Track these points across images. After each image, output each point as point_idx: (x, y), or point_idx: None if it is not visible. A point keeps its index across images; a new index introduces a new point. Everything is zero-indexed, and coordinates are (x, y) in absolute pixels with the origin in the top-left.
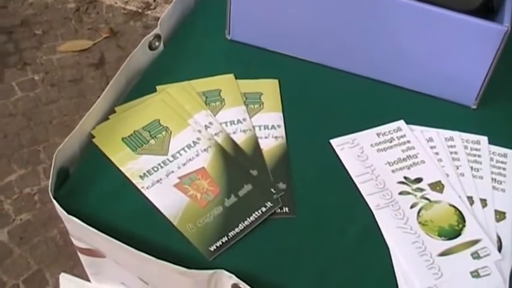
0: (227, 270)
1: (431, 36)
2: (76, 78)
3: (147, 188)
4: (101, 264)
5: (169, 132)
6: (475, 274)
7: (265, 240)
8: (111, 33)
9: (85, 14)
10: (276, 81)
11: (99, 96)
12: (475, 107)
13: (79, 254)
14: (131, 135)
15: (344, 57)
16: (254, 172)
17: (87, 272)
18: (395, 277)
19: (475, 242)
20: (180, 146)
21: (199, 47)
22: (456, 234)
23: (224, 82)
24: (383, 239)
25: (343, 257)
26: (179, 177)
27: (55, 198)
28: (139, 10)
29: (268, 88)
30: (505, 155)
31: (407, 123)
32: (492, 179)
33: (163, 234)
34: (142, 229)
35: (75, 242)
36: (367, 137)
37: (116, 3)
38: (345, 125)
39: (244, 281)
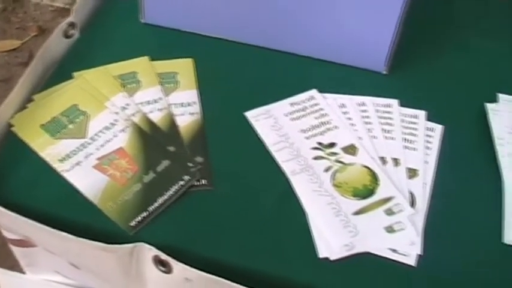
0: (149, 244)
1: (337, 5)
2: (6, 78)
3: (67, 171)
4: (33, 254)
5: (87, 116)
6: (390, 229)
7: (185, 213)
8: (40, 31)
9: (12, 14)
10: (191, 60)
11: None
12: (386, 72)
13: (12, 248)
14: (50, 121)
15: (256, 32)
16: (171, 148)
17: (22, 264)
18: (312, 238)
19: (388, 199)
20: (98, 128)
21: (115, 33)
22: (370, 193)
23: (139, 64)
24: (300, 203)
25: (263, 224)
26: (98, 158)
27: None
28: (67, 6)
29: (183, 67)
30: (415, 116)
31: (320, 92)
32: (404, 139)
33: (86, 214)
34: (66, 212)
35: (6, 234)
36: (280, 107)
37: (42, 0)
38: (260, 98)
39: (165, 253)
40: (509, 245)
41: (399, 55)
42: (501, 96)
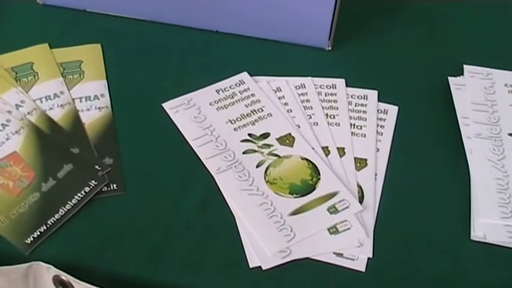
0: (48, 262)
1: None
2: None
3: None
4: None
5: None
6: (334, 230)
7: (92, 223)
8: None
9: None
10: (98, 45)
11: None
12: (329, 48)
13: None
14: None
15: (173, 9)
16: (75, 150)
17: None
18: (241, 245)
19: (331, 195)
20: None
21: (6, 16)
22: (310, 189)
23: (37, 53)
24: (227, 205)
25: (184, 231)
26: None
27: None
28: None
29: (89, 54)
30: (365, 97)
31: (252, 74)
32: (351, 124)
33: None
34: None
35: None
36: (205, 95)
37: None
38: (181, 86)
39: (67, 272)
40: (478, 242)
41: (345, 27)
42: (466, 68)
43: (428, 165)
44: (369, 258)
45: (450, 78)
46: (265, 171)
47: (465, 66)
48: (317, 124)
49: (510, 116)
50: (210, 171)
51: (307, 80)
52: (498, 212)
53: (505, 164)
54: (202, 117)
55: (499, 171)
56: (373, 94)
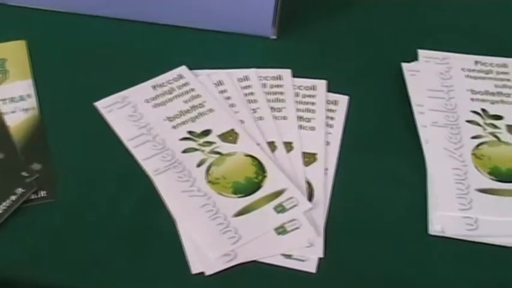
0: None
1: None
2: None
3: None
4: None
5: None
6: (281, 230)
7: (19, 235)
8: None
9: None
10: (23, 42)
11: None
12: (274, 36)
13: None
14: None
15: (104, 1)
16: None
17: None
18: (183, 250)
19: (278, 193)
20: None
21: None
22: (255, 188)
23: None
24: (166, 208)
25: (120, 237)
26: None
27: None
28: None
29: (14, 52)
30: (313, 88)
31: (191, 68)
32: (298, 117)
33: None
34: None
35: None
36: (140, 92)
37: None
38: (114, 83)
39: None
40: (435, 236)
41: (291, 14)
42: (421, 53)
43: (381, 157)
44: (319, 259)
45: (404, 64)
46: (207, 171)
47: (420, 51)
48: (262, 118)
49: (467, 101)
50: (148, 172)
51: (251, 72)
52: (456, 204)
53: (463, 153)
54: (138, 116)
55: (457, 160)
56: (321, 84)
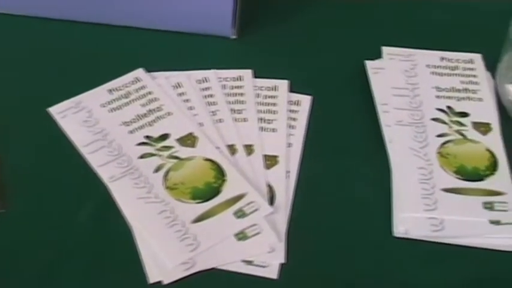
0: None
1: None
2: None
3: None
4: None
5: None
6: (242, 236)
7: None
8: None
9: None
10: None
11: None
12: (235, 36)
13: None
14: None
15: (55, 1)
16: None
17: None
18: (140, 259)
19: (238, 197)
20: None
21: None
22: (214, 193)
23: None
24: (123, 216)
25: (75, 248)
26: None
27: None
28: None
29: None
30: (275, 88)
31: (149, 70)
32: (260, 119)
33: None
34: None
35: None
36: (95, 96)
37: None
38: (69, 87)
39: None
40: (400, 238)
41: (252, 12)
42: (385, 50)
43: (345, 158)
44: (281, 264)
45: (367, 62)
46: (165, 176)
47: (384, 48)
48: (222, 121)
49: (433, 99)
50: (103, 179)
51: (211, 73)
52: (421, 205)
53: (428, 152)
54: (93, 121)
55: (422, 159)
56: (283, 84)
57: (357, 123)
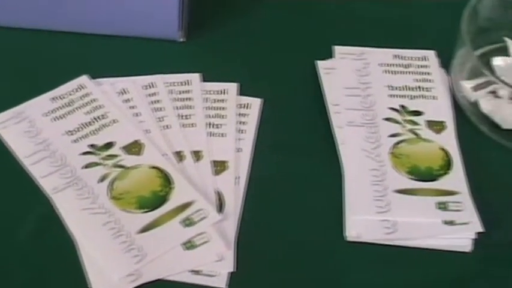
0: None
1: None
2: None
3: None
4: None
5: None
6: (189, 245)
7: None
8: None
9: None
10: None
11: None
12: (182, 39)
13: None
14: None
15: None
16: None
17: None
18: (84, 272)
19: (186, 205)
20: None
21: None
22: (161, 201)
23: None
24: (66, 228)
25: (15, 261)
26: None
27: None
28: None
29: None
30: (224, 92)
31: (94, 77)
32: (208, 123)
33: None
34: None
35: None
36: (37, 105)
37: None
38: (10, 97)
39: None
40: (353, 242)
41: (200, 14)
42: (337, 49)
43: (297, 161)
44: (230, 273)
45: (318, 62)
46: (110, 186)
47: (335, 47)
48: (169, 127)
49: (385, 98)
50: (46, 191)
51: (157, 78)
52: (373, 207)
53: (381, 153)
54: (35, 131)
55: (374, 161)
56: (232, 87)
57: (308, 126)
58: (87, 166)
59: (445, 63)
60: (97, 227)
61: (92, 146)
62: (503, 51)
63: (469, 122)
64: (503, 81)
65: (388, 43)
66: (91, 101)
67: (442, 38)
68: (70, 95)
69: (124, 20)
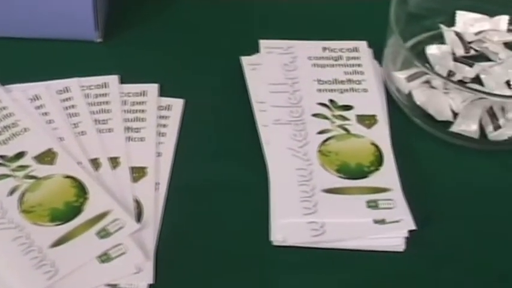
0: None
1: None
2: None
3: None
4: None
5: None
6: (105, 257)
7: None
8: None
9: None
10: None
11: None
12: (100, 39)
13: None
14: None
15: None
16: None
17: None
18: None
19: (102, 216)
20: None
21: None
22: (75, 212)
23: None
24: None
25: None
26: None
27: None
28: None
29: None
30: (143, 93)
31: (3, 83)
32: (126, 128)
33: None
34: None
35: None
36: None
37: None
38: None
39: None
40: (279, 246)
41: (118, 12)
42: (263, 43)
43: (221, 164)
44: (149, 285)
45: (243, 58)
46: (20, 199)
47: (261, 41)
48: (84, 133)
49: (314, 93)
50: None
51: (73, 82)
52: (300, 209)
53: (308, 151)
54: None
55: (301, 160)
56: (153, 88)
57: (233, 126)
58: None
59: (379, 54)
60: (6, 243)
61: (1, 157)
62: (439, 39)
63: (402, 114)
64: (434, 72)
65: (319, 36)
66: (0, 109)
67: (376, 27)
68: None
69: (36, 21)
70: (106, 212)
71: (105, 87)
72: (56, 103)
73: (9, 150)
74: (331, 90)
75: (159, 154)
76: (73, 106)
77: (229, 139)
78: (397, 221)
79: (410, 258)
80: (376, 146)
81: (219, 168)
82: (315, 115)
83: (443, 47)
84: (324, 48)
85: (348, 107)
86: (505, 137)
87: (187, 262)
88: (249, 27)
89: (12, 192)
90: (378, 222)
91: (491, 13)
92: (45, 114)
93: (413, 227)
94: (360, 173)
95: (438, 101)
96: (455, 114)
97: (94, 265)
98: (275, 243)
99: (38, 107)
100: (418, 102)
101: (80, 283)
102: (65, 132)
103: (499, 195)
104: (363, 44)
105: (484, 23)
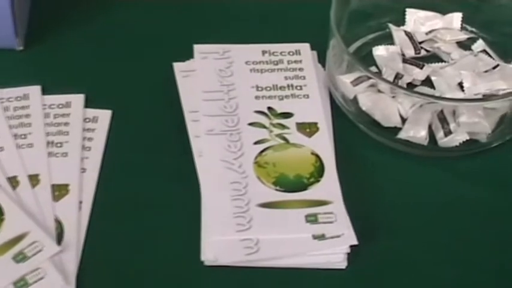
0: None
1: None
2: None
3: None
4: None
5: None
6: (22, 283)
7: None
8: None
9: None
10: None
11: None
12: (21, 47)
13: None
14: None
15: None
16: None
17: None
18: None
19: (19, 238)
20: None
21: None
22: None
23: None
24: None
25: None
26: None
27: None
28: None
29: None
30: (67, 105)
31: None
32: (48, 142)
33: None
34: None
35: None
36: None
37: None
38: None
39: None
40: (211, 266)
41: (41, 18)
42: (197, 48)
43: (151, 179)
44: None
45: (175, 64)
46: None
47: (195, 46)
48: (2, 149)
49: (251, 100)
50: None
51: None
52: (233, 225)
53: (243, 163)
54: None
55: (236, 172)
56: (78, 99)
57: (164, 139)
58: None
59: (323, 57)
60: None
61: None
62: (388, 39)
63: (347, 121)
64: (378, 76)
65: (260, 39)
66: None
67: (320, 28)
68: None
69: None
70: (23, 234)
71: (26, 98)
72: None
73: None
74: (270, 97)
75: (83, 170)
76: None
77: (160, 152)
78: (337, 236)
79: (352, 276)
80: (317, 156)
81: (149, 184)
82: (251, 124)
83: (391, 47)
84: (264, 52)
85: (287, 115)
86: (456, 143)
87: (112, 285)
88: (185, 31)
89: None
90: (318, 237)
91: (444, 11)
92: None
93: (355, 241)
94: (298, 185)
95: (385, 106)
96: (403, 120)
97: None
98: (206, 263)
99: None
100: (363, 108)
101: None
102: None
103: (449, 206)
104: (305, 47)
105: (436, 22)
